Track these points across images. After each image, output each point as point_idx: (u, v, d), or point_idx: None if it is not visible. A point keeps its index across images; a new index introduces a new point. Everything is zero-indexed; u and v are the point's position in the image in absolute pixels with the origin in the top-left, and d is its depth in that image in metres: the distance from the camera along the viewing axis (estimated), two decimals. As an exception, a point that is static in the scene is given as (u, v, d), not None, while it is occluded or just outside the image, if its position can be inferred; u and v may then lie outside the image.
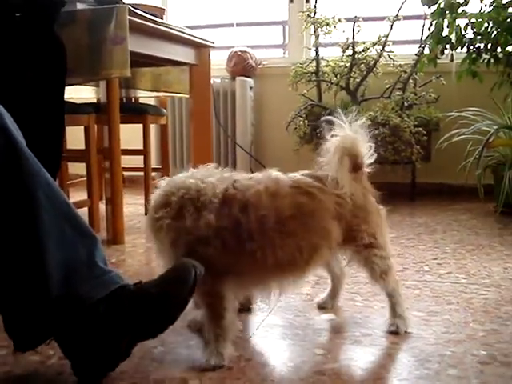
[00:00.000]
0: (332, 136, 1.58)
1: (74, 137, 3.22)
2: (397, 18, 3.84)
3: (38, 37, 2.18)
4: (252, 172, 1.58)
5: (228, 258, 1.41)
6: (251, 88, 4.51)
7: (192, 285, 1.30)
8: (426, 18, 3.76)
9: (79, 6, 2.45)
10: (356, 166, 1.60)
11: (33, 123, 1.86)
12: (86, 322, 1.31)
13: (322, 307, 1.83)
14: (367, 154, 1.62)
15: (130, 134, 3.32)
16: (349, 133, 1.58)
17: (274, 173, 1.54)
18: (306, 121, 3.89)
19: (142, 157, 3.39)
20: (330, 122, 1.60)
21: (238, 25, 4.84)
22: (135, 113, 3.35)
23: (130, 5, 2.49)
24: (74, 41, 2.38)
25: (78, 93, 3.59)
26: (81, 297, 1.32)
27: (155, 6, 3.30)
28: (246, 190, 1.45)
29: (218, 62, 4.37)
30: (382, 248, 1.62)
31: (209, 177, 1.49)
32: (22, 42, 2.14)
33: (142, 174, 3.45)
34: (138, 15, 2.59)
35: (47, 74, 2.19)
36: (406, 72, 3.88)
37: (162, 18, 2.98)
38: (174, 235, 1.42)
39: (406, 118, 3.65)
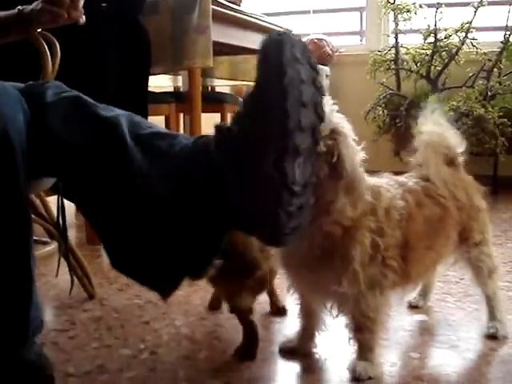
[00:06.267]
0: (417, 133, 1.50)
1: (154, 126, 3.23)
2: (481, 3, 3.69)
3: (124, 27, 2.19)
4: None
5: (394, 276, 1.32)
6: (327, 76, 4.43)
7: None
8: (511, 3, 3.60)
9: (162, -5, 2.45)
10: (450, 161, 1.52)
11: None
12: None
13: (413, 307, 1.77)
14: (458, 145, 1.54)
15: (206, 123, 3.31)
16: (433, 127, 1.50)
17: (394, 177, 1.44)
18: (385, 110, 3.81)
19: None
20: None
21: (314, 11, 4.77)
22: (214, 102, 3.33)
23: (212, -7, 2.47)
24: (158, 31, 2.37)
25: (155, 81, 3.60)
26: None
27: (233, -5, 3.27)
28: (399, 200, 1.34)
29: (294, 50, 4.30)
30: (488, 246, 1.57)
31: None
32: (108, 33, 2.15)
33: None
34: (219, 4, 2.56)
35: (133, 64, 2.20)
36: (490, 60, 3.73)
37: (239, 6, 2.95)
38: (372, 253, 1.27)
39: (490, 109, 3.51)
